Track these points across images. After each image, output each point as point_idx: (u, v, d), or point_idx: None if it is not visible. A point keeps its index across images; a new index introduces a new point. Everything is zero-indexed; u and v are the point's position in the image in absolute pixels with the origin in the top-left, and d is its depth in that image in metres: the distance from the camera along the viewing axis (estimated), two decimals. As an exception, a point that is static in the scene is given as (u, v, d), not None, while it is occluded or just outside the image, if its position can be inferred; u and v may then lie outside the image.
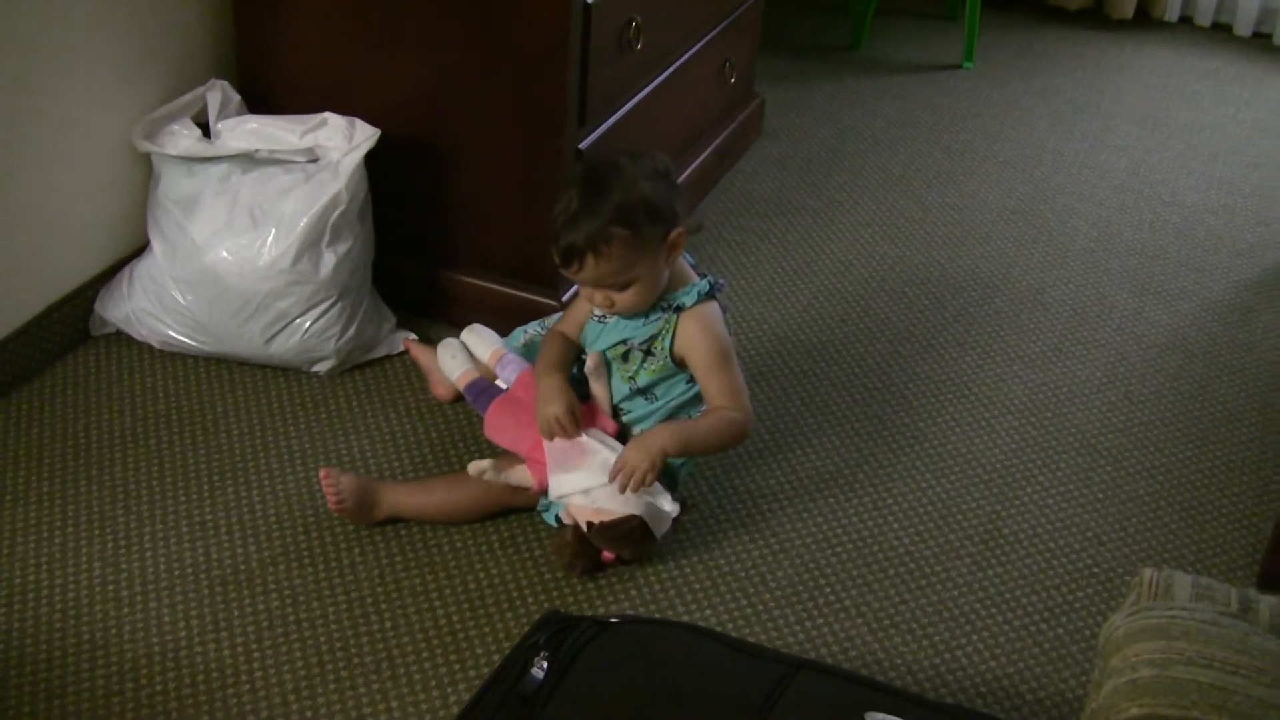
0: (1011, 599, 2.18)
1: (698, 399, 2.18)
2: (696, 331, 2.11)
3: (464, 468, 2.20)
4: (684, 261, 2.18)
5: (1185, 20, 4.59)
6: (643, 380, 2.15)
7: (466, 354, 2.32)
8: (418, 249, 2.70)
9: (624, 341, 2.15)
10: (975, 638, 2.11)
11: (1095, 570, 2.25)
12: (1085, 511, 2.38)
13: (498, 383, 2.27)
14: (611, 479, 2.06)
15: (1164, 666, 1.34)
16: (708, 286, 2.13)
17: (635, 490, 2.05)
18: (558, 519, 2.19)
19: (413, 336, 2.59)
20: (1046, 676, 2.05)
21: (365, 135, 2.48)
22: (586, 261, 2.04)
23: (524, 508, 2.23)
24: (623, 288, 2.08)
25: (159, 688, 1.91)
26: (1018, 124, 3.80)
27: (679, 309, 2.12)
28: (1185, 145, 3.74)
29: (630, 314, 2.13)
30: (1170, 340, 2.88)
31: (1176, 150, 3.71)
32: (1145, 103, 3.98)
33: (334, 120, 2.50)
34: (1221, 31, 4.54)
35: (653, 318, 2.13)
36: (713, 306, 2.14)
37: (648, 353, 2.14)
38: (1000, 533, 2.31)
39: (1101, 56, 4.29)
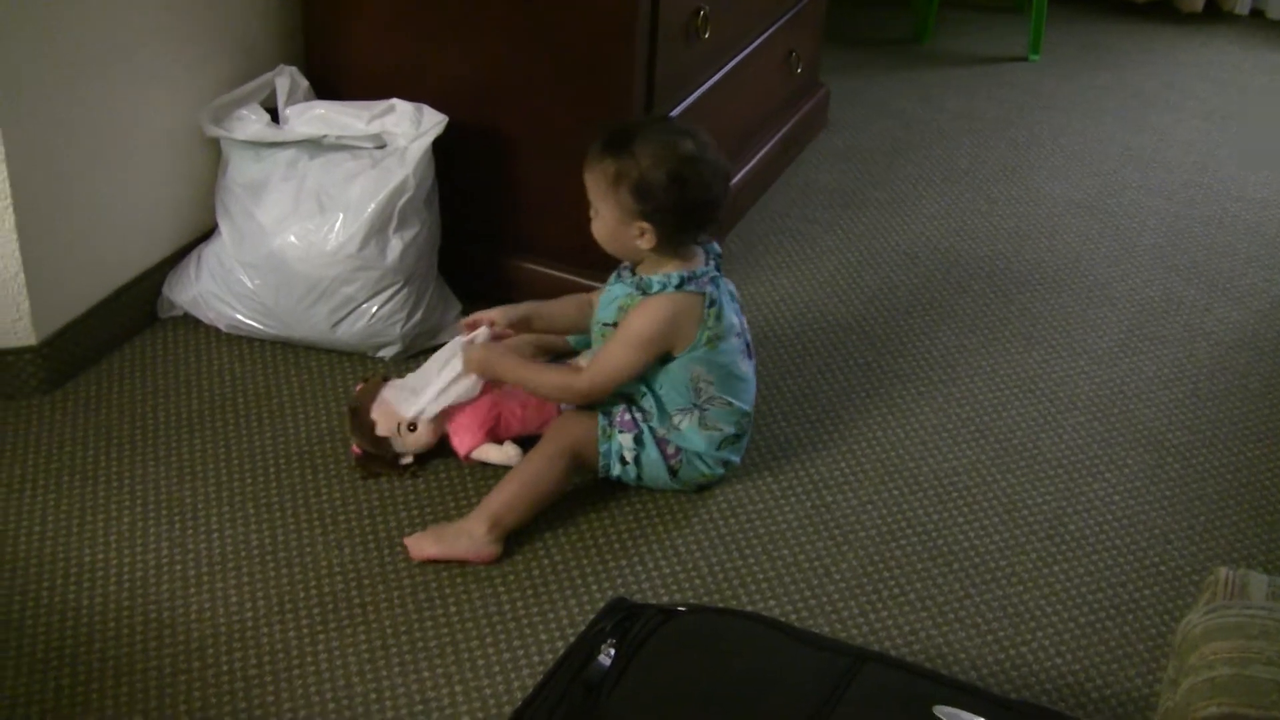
0: (1077, 595, 2.16)
1: (676, 379, 2.21)
2: (636, 312, 2.18)
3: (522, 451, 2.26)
4: (696, 250, 2.22)
5: (1256, 14, 4.53)
6: (599, 333, 2.25)
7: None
8: (483, 235, 2.70)
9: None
10: (1040, 634, 2.09)
11: (1162, 568, 2.23)
12: (1152, 509, 2.36)
13: None
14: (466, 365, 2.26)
15: (1243, 665, 1.33)
16: (678, 280, 2.16)
17: (471, 374, 2.25)
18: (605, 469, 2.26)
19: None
20: (1112, 674, 2.03)
21: (433, 122, 2.48)
22: (585, 164, 2.18)
23: (589, 465, 2.25)
24: (596, 212, 2.19)
25: (225, 667, 1.93)
26: (1084, 117, 3.76)
27: (644, 291, 2.18)
28: (1255, 140, 3.69)
29: (601, 244, 2.22)
30: (1239, 337, 2.84)
31: (1246, 145, 3.67)
32: (1214, 97, 3.94)
33: (401, 107, 2.51)
34: (1293, 26, 4.49)
35: (629, 293, 2.21)
36: (671, 300, 2.17)
37: (615, 325, 2.22)
38: (1066, 529, 2.29)
39: (1170, 50, 4.25)
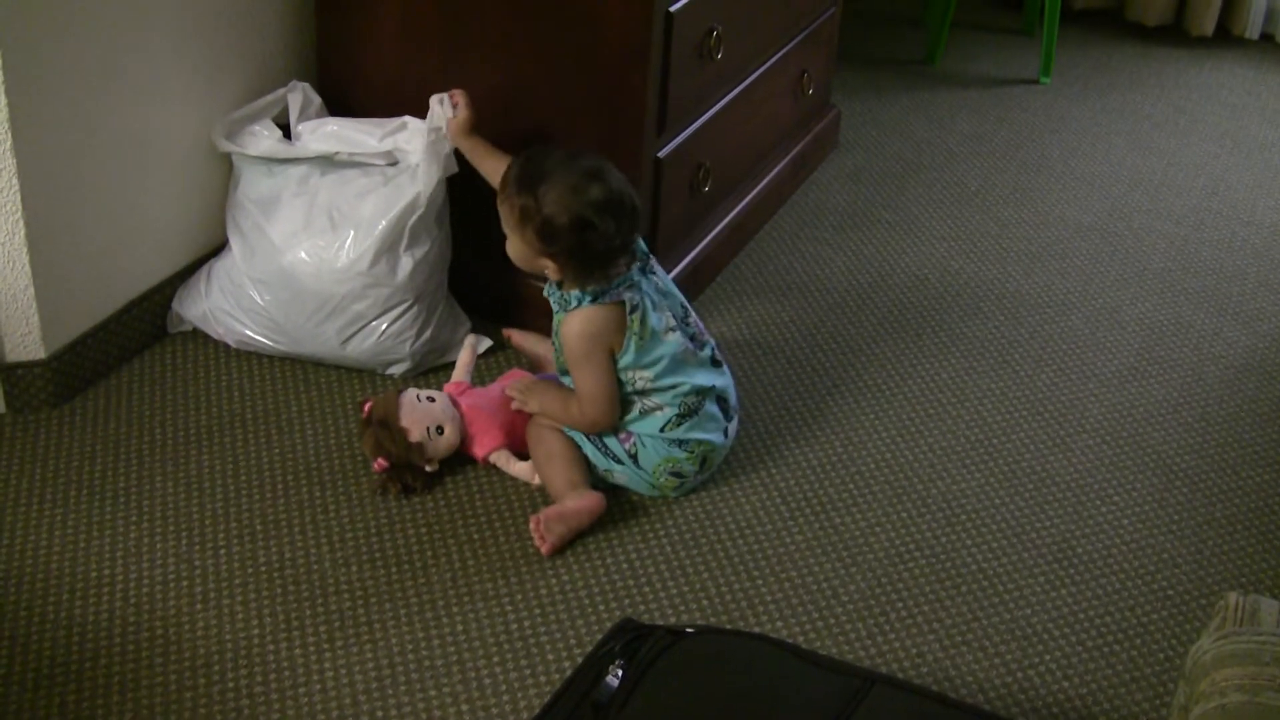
0: (1085, 619, 2.16)
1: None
2: (564, 332, 2.24)
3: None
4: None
5: (1266, 38, 4.53)
6: (559, 363, 2.32)
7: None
8: (494, 253, 2.69)
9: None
10: (1048, 657, 2.09)
11: (1170, 593, 2.22)
12: (1160, 533, 2.35)
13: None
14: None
15: (1254, 693, 1.32)
16: (591, 296, 2.20)
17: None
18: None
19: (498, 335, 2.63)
20: (1120, 698, 2.03)
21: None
22: (499, 189, 2.26)
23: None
24: (508, 236, 2.27)
25: (231, 684, 1.92)
26: (1095, 140, 3.77)
27: (565, 307, 2.25)
28: (1265, 164, 3.69)
29: (514, 262, 2.28)
30: (1248, 361, 2.84)
31: (1256, 169, 3.66)
32: (1224, 121, 3.94)
33: (414, 124, 2.51)
34: (1303, 50, 4.49)
35: (556, 311, 2.27)
36: (587, 314, 2.21)
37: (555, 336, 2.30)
38: (1074, 552, 2.29)
39: (1180, 73, 4.25)
